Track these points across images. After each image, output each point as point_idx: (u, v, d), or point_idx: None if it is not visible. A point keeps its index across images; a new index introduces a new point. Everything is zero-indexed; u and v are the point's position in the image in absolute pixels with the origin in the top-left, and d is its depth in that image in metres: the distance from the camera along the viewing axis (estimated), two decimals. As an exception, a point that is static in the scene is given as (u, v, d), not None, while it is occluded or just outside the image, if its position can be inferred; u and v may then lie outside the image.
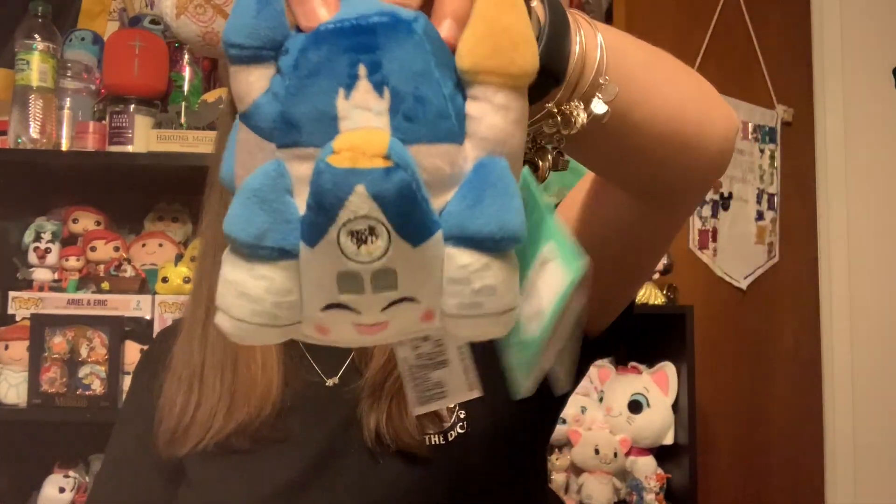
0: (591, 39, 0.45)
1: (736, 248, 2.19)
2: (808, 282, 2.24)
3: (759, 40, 2.20)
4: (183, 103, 1.69)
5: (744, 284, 2.19)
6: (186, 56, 1.74)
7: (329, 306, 0.33)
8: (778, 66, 2.24)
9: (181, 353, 0.76)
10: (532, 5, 0.43)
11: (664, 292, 1.77)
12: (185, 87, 1.73)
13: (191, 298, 0.80)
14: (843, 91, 2.24)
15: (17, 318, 1.65)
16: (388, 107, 0.32)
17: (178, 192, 1.85)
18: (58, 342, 1.59)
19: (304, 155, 0.33)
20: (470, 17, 0.34)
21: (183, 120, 1.66)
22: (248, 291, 0.33)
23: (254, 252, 0.33)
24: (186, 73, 1.74)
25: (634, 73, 0.49)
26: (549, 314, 0.40)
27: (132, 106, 1.66)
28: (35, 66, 1.65)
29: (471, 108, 0.34)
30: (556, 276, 0.40)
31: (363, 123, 0.32)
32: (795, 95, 2.26)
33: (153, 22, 1.78)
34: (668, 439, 1.74)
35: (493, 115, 0.34)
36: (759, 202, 2.22)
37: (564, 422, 1.71)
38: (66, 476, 1.62)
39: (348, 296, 0.33)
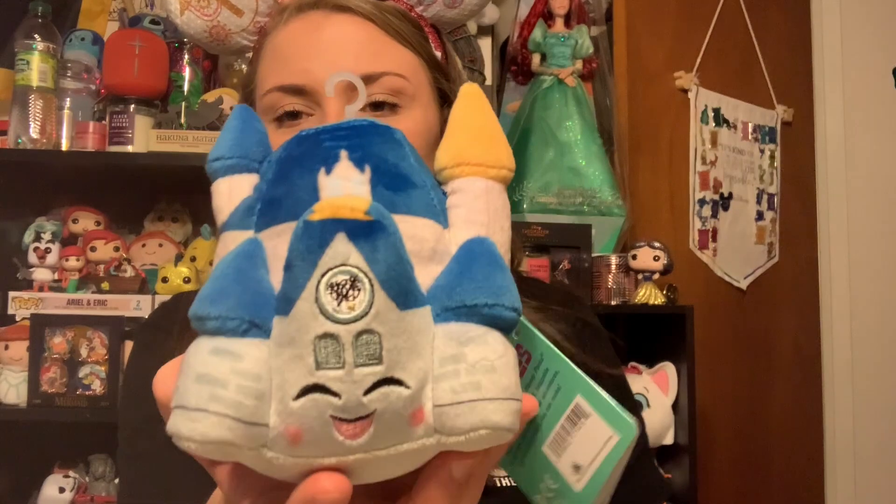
0: None
1: (736, 249, 2.19)
2: (808, 282, 2.24)
3: (759, 40, 2.20)
4: (183, 103, 1.69)
5: (744, 284, 2.19)
6: (186, 56, 1.74)
7: (304, 392, 0.28)
8: (778, 66, 2.24)
9: None
10: None
11: (664, 292, 1.77)
12: (186, 87, 1.73)
13: None
14: (843, 91, 2.24)
15: (17, 318, 1.64)
16: (368, 179, 0.32)
17: (178, 192, 1.85)
18: (58, 342, 1.59)
19: (282, 231, 0.31)
20: (447, 127, 0.36)
21: (183, 120, 1.66)
22: (209, 371, 0.28)
23: (222, 325, 0.28)
24: (186, 73, 1.74)
25: None
26: (600, 474, 0.39)
27: (132, 106, 1.66)
28: (35, 66, 1.65)
29: (452, 199, 0.34)
30: (599, 434, 0.39)
31: (344, 192, 0.31)
32: (795, 95, 2.26)
33: (153, 22, 1.78)
34: (668, 439, 1.74)
35: (475, 202, 0.34)
36: (759, 202, 2.22)
37: (564, 422, 1.71)
38: (66, 476, 1.62)
39: (326, 371, 0.27)
